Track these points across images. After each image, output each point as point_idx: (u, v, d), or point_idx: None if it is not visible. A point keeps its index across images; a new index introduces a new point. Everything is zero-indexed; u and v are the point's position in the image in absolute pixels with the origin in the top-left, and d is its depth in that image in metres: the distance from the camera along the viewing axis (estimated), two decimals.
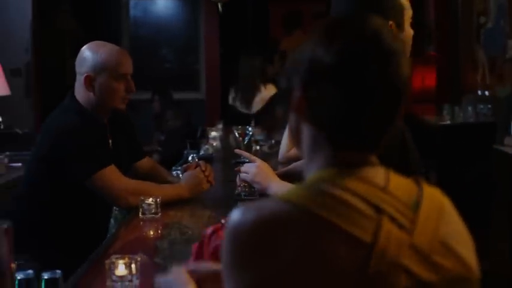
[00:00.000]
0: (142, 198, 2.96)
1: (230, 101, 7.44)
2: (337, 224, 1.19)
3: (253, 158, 3.42)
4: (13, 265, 1.80)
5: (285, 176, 3.62)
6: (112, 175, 3.14)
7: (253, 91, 7.23)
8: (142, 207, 2.95)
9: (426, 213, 1.26)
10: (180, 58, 10.08)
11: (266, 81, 7.30)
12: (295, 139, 1.37)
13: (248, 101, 7.23)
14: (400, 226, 1.22)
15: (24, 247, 2.31)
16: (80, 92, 3.26)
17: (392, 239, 1.20)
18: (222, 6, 6.06)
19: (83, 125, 3.18)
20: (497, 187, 5.63)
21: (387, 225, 1.21)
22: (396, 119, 1.29)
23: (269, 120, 6.05)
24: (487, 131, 6.48)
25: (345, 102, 1.25)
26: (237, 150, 3.53)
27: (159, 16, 9.98)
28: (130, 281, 2.02)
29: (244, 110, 7.25)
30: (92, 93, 3.23)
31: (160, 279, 1.78)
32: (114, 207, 4.45)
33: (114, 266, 2.03)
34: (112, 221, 4.51)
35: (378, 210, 1.22)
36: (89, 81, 3.22)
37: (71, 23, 8.94)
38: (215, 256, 1.87)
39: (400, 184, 1.29)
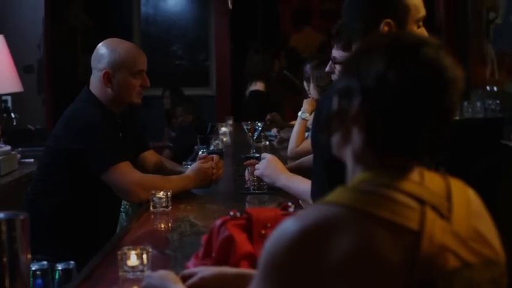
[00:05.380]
0: (153, 192, 3.02)
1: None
2: (385, 218, 1.29)
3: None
4: (29, 256, 1.85)
5: (294, 170, 3.68)
6: (126, 169, 3.22)
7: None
8: (153, 200, 3.01)
9: (458, 203, 1.38)
10: (191, 55, 10.12)
11: (258, 77, 7.33)
12: (342, 144, 1.44)
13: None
14: (441, 215, 1.33)
15: (35, 240, 2.37)
16: (97, 87, 3.37)
17: (437, 226, 1.31)
18: (232, 3, 6.07)
19: (103, 118, 3.28)
20: (505, 182, 5.66)
21: (430, 214, 1.32)
22: (445, 134, 1.39)
23: (271, 115, 6.08)
24: (496, 126, 6.51)
25: (403, 119, 1.35)
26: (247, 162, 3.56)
27: (170, 13, 10.02)
28: (142, 271, 2.09)
29: None
30: (109, 89, 3.34)
31: (147, 277, 1.87)
32: (125, 202, 4.52)
33: (126, 256, 2.09)
34: (123, 215, 4.58)
35: (421, 201, 1.33)
36: (108, 78, 3.33)
37: (83, 20, 9.01)
38: (223, 247, 1.93)
39: (432, 178, 1.40)
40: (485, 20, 8.04)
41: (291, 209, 2.06)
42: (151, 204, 3.01)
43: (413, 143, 1.37)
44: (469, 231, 1.36)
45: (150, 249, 2.13)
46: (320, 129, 2.26)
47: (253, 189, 3.39)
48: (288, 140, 5.30)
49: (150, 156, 3.79)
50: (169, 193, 3.03)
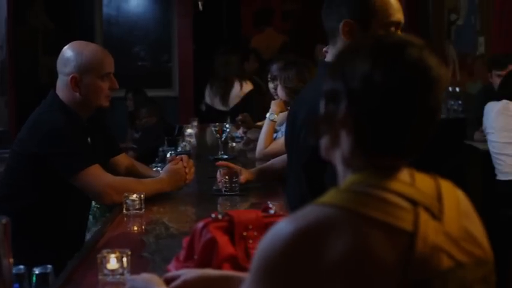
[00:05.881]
0: (126, 194, 3.00)
1: (207, 98, 7.47)
2: (380, 219, 1.29)
3: (237, 167, 3.48)
4: (11, 260, 1.84)
5: (265, 172, 3.69)
6: (97, 173, 3.18)
7: (229, 88, 7.27)
8: (126, 203, 2.99)
9: (448, 204, 1.39)
10: (153, 56, 10.09)
11: (242, 78, 7.34)
12: (331, 147, 1.44)
13: (224, 98, 7.27)
14: (433, 216, 1.35)
15: None
16: (64, 91, 3.30)
17: (430, 226, 1.32)
18: (202, 4, 6.07)
19: (69, 123, 3.22)
20: (468, 182, 5.73)
21: (424, 216, 1.33)
22: (431, 133, 1.40)
23: (242, 116, 6.08)
24: (458, 127, 6.59)
25: (390, 119, 1.36)
26: (219, 163, 3.55)
27: (132, 14, 9.97)
28: (122, 274, 2.08)
29: (220, 107, 7.29)
30: (77, 93, 3.27)
31: (129, 279, 1.86)
32: (94, 205, 4.49)
33: (105, 260, 2.08)
34: (91, 217, 4.55)
35: (413, 203, 1.34)
36: (75, 82, 3.25)
37: (44, 21, 8.93)
38: (205, 249, 1.93)
39: (422, 180, 1.42)
40: (446, 21, 8.14)
41: (272, 211, 2.07)
42: (125, 206, 2.99)
43: (400, 143, 1.38)
44: (460, 232, 1.37)
45: (129, 252, 2.12)
46: (309, 133, 2.25)
47: (225, 191, 3.39)
48: (255, 140, 5.32)
49: (122, 159, 3.75)
50: (142, 195, 3.01)
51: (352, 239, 1.26)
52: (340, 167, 1.44)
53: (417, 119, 1.36)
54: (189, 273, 1.82)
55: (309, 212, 1.32)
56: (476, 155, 6.00)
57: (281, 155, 3.95)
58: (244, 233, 1.98)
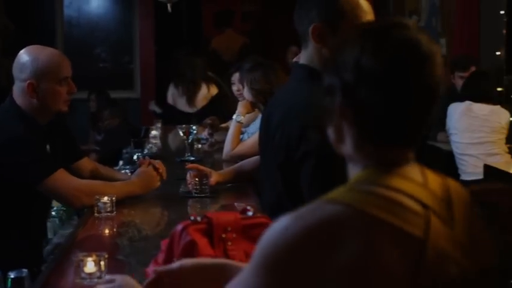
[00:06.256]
0: (98, 197, 2.98)
1: (169, 98, 7.44)
2: (390, 222, 1.26)
3: (207, 169, 3.48)
4: None
5: (234, 174, 3.69)
6: (64, 177, 3.14)
7: (197, 90, 7.26)
8: (97, 206, 2.97)
9: (457, 207, 1.36)
10: (115, 57, 10.03)
11: (209, 81, 7.34)
12: (338, 141, 1.41)
13: (191, 99, 7.26)
14: (444, 221, 1.32)
15: None
16: (21, 97, 3.22)
17: (441, 233, 1.29)
18: (171, 6, 6.05)
19: (28, 130, 3.16)
20: None
21: (435, 222, 1.30)
22: (431, 115, 1.37)
23: (211, 119, 6.10)
24: None
25: (388, 104, 1.32)
26: (189, 165, 3.54)
27: (93, 15, 9.90)
28: (99, 277, 2.06)
29: (184, 108, 7.28)
30: (35, 100, 3.20)
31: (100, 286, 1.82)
32: (60, 207, 4.46)
33: (83, 263, 2.07)
34: (57, 220, 4.51)
35: (425, 206, 1.31)
36: (32, 88, 3.18)
37: (4, 21, 8.81)
38: (185, 252, 1.93)
39: (434, 179, 1.38)
40: None
41: (250, 213, 2.07)
42: (96, 209, 2.97)
43: (401, 128, 1.35)
44: (468, 238, 1.35)
45: (106, 256, 2.10)
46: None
47: (195, 193, 3.38)
48: (221, 142, 5.32)
49: (85, 163, 3.70)
50: (113, 198, 2.99)
51: (360, 241, 1.23)
52: (349, 162, 1.42)
53: (414, 100, 1.33)
54: (185, 260, 1.78)
55: (316, 208, 1.28)
56: (439, 156, 6.07)
57: (248, 156, 3.96)
58: (223, 235, 1.98)
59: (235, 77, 5.52)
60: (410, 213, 1.29)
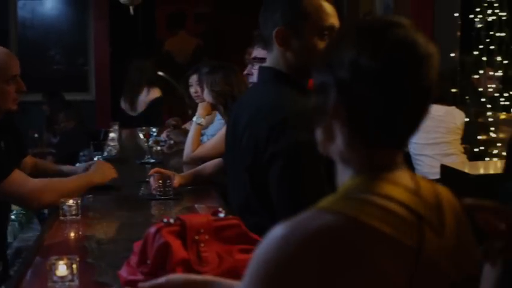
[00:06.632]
0: (63, 200, 2.96)
1: (121, 102, 7.46)
2: (383, 231, 1.25)
3: (170, 172, 3.49)
4: None
5: (195, 177, 3.70)
6: (20, 178, 3.09)
7: (137, 94, 7.29)
8: (62, 209, 2.95)
9: (448, 214, 1.37)
10: (69, 59, 9.93)
11: (152, 84, 7.35)
12: (327, 141, 1.38)
13: (132, 104, 7.30)
14: (435, 230, 1.32)
15: None
16: None
17: (433, 244, 1.30)
18: (133, 9, 6.03)
19: None
20: None
21: (428, 233, 1.30)
22: (425, 115, 1.36)
23: (175, 120, 6.12)
24: None
25: (383, 104, 1.31)
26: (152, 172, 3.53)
27: (47, 17, 9.79)
28: (71, 281, 2.06)
29: (130, 112, 7.31)
30: None
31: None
32: (19, 211, 4.43)
33: (55, 266, 2.06)
34: (16, 224, 4.48)
35: (418, 216, 1.31)
36: None
37: None
38: (159, 254, 1.93)
39: (425, 186, 1.38)
40: None
41: (222, 215, 2.08)
42: (61, 212, 2.96)
43: (395, 129, 1.34)
44: (457, 246, 1.36)
45: (78, 259, 2.10)
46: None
47: (159, 195, 3.38)
48: (179, 143, 5.33)
49: (27, 160, 3.68)
50: (79, 201, 2.98)
51: (354, 249, 1.23)
52: (338, 164, 1.39)
53: (411, 101, 1.32)
54: (172, 275, 1.78)
55: (314, 217, 1.27)
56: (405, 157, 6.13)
57: (209, 158, 3.99)
58: (196, 237, 1.99)
59: (193, 79, 5.54)
60: (405, 223, 1.29)
